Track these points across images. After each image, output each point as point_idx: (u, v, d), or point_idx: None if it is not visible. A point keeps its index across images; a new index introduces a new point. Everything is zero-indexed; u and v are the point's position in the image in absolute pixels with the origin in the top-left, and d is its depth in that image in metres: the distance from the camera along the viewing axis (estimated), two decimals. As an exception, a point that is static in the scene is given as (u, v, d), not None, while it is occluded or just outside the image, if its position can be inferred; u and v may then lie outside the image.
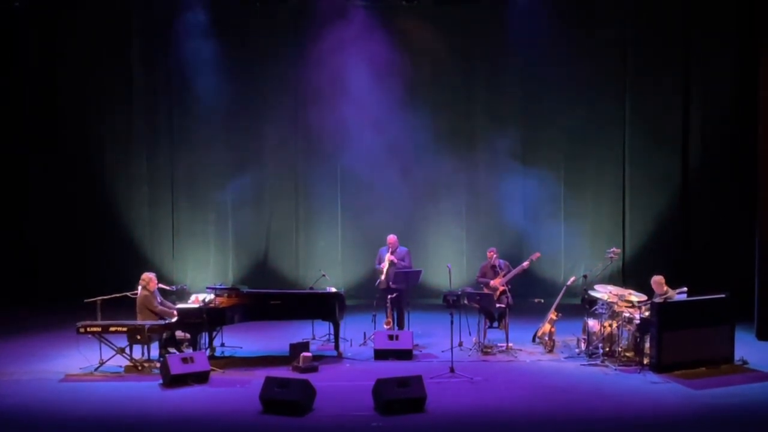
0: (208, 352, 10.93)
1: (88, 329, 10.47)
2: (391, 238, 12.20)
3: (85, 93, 15.13)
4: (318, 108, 14.84)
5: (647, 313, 10.48)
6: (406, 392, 8.94)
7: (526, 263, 11.80)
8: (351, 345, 11.74)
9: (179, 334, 10.77)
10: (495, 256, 11.87)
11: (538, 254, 12.01)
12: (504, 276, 11.70)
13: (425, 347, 11.63)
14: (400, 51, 14.50)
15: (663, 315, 10.26)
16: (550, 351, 11.32)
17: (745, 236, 13.21)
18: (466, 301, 11.36)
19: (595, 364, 10.62)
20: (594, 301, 11.11)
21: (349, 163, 15.01)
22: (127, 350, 10.55)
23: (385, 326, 11.84)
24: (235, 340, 11.73)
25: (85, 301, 10.90)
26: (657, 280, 10.99)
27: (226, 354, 11.41)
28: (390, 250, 12.11)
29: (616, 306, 10.76)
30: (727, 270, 13.53)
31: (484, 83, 14.97)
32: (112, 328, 10.46)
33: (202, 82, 14.93)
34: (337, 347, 11.31)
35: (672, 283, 11.06)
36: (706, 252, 14.22)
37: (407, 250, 12.26)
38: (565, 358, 11.06)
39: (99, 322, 10.58)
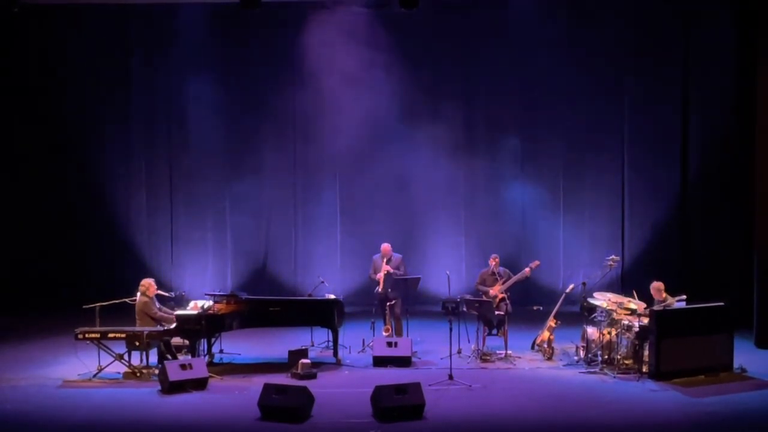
0: (206, 358, 10.91)
1: (86, 335, 10.47)
2: (385, 246, 12.17)
3: (84, 100, 15.13)
4: (317, 115, 14.87)
5: (646, 321, 10.48)
6: (405, 399, 8.94)
7: (526, 270, 11.79)
8: (350, 352, 11.73)
9: (177, 340, 10.76)
10: (497, 263, 11.87)
11: (537, 262, 12.00)
12: (503, 283, 11.69)
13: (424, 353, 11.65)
14: (399, 59, 14.51)
15: (662, 323, 10.26)
16: (549, 358, 11.32)
17: (743, 244, 13.23)
18: (465, 309, 11.36)
19: (594, 372, 10.61)
20: (593, 308, 11.11)
21: (348, 170, 15.04)
22: (126, 357, 10.54)
23: (384, 333, 11.84)
24: (234, 347, 11.72)
25: (84, 307, 10.89)
26: (656, 287, 10.99)
27: (225, 361, 11.39)
28: (384, 259, 12.09)
29: (614, 314, 10.76)
30: (726, 278, 13.53)
31: (484, 91, 14.97)
32: (111, 335, 10.46)
33: (201, 89, 14.93)
34: (335, 354, 11.30)
35: (671, 291, 11.06)
36: (705, 260, 14.22)
37: (401, 257, 12.23)
38: (563, 365, 11.05)
39: (97, 328, 10.59)
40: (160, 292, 11.08)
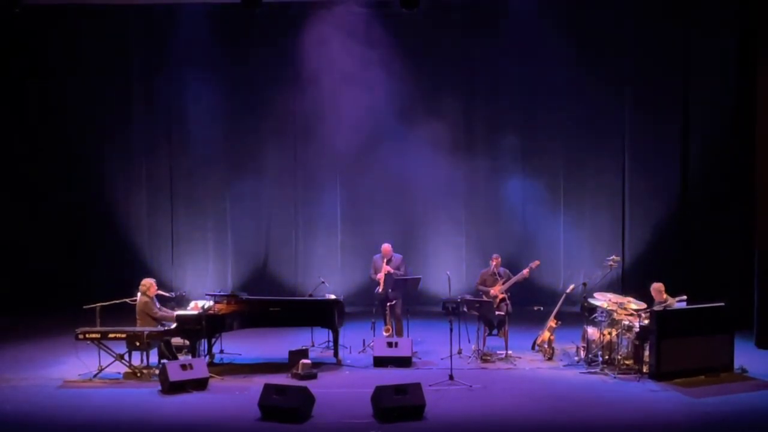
0: (207, 358, 10.91)
1: (87, 336, 10.47)
2: (386, 247, 12.17)
3: (84, 101, 15.11)
4: (317, 115, 14.85)
5: (646, 321, 10.48)
6: (405, 399, 8.94)
7: (525, 271, 11.80)
8: (350, 352, 11.73)
9: (177, 340, 10.76)
10: (498, 263, 11.87)
11: (537, 262, 12.01)
12: (503, 284, 11.69)
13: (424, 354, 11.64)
14: (399, 58, 14.49)
15: (662, 323, 10.26)
16: (550, 359, 11.32)
17: (743, 244, 13.22)
18: (465, 309, 11.36)
19: (595, 372, 10.62)
20: (593, 308, 11.11)
21: (348, 170, 15.03)
22: (126, 357, 10.54)
23: (384, 333, 11.84)
24: (234, 347, 11.72)
25: (84, 307, 10.89)
26: (657, 288, 11.00)
27: (225, 361, 11.40)
28: (385, 259, 12.09)
29: (615, 314, 10.76)
30: (726, 278, 13.51)
31: (484, 90, 14.97)
32: (111, 335, 10.46)
33: (201, 90, 14.90)
34: (336, 354, 11.30)
35: (671, 291, 11.05)
36: (706, 260, 14.19)
37: (402, 258, 12.24)
38: (564, 365, 11.05)
39: (98, 328, 10.59)
40: (160, 292, 11.08)
